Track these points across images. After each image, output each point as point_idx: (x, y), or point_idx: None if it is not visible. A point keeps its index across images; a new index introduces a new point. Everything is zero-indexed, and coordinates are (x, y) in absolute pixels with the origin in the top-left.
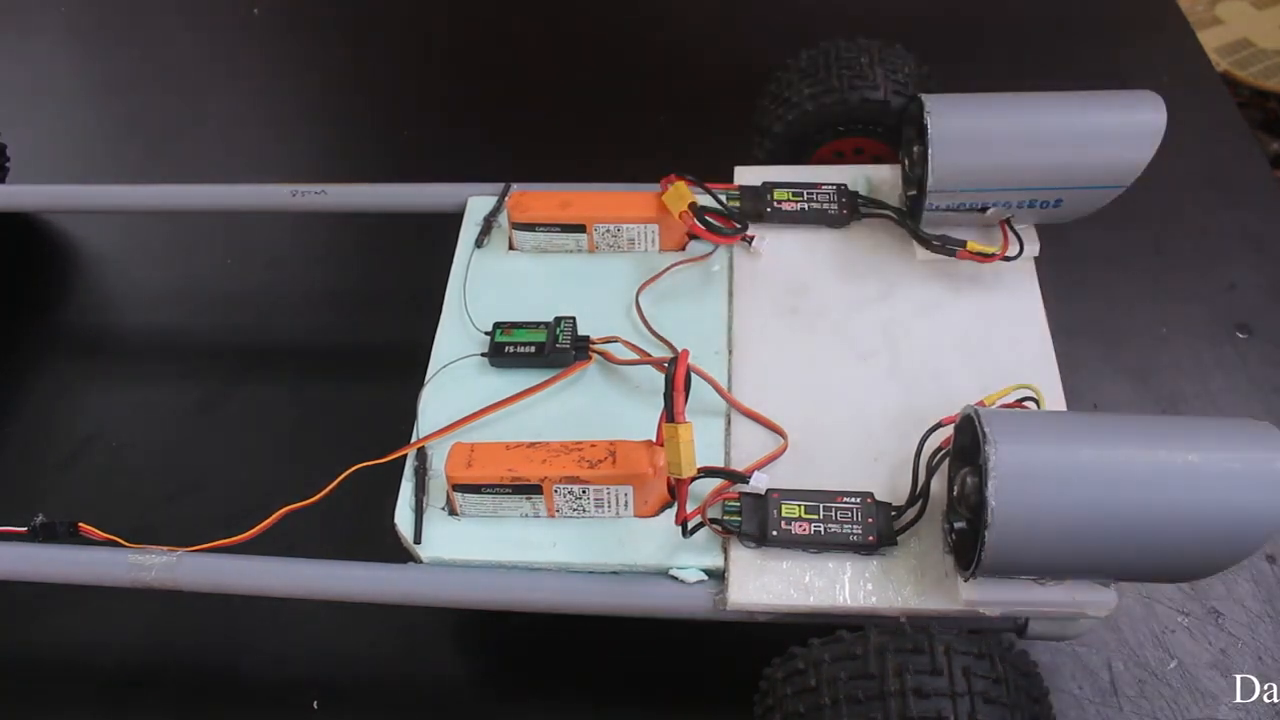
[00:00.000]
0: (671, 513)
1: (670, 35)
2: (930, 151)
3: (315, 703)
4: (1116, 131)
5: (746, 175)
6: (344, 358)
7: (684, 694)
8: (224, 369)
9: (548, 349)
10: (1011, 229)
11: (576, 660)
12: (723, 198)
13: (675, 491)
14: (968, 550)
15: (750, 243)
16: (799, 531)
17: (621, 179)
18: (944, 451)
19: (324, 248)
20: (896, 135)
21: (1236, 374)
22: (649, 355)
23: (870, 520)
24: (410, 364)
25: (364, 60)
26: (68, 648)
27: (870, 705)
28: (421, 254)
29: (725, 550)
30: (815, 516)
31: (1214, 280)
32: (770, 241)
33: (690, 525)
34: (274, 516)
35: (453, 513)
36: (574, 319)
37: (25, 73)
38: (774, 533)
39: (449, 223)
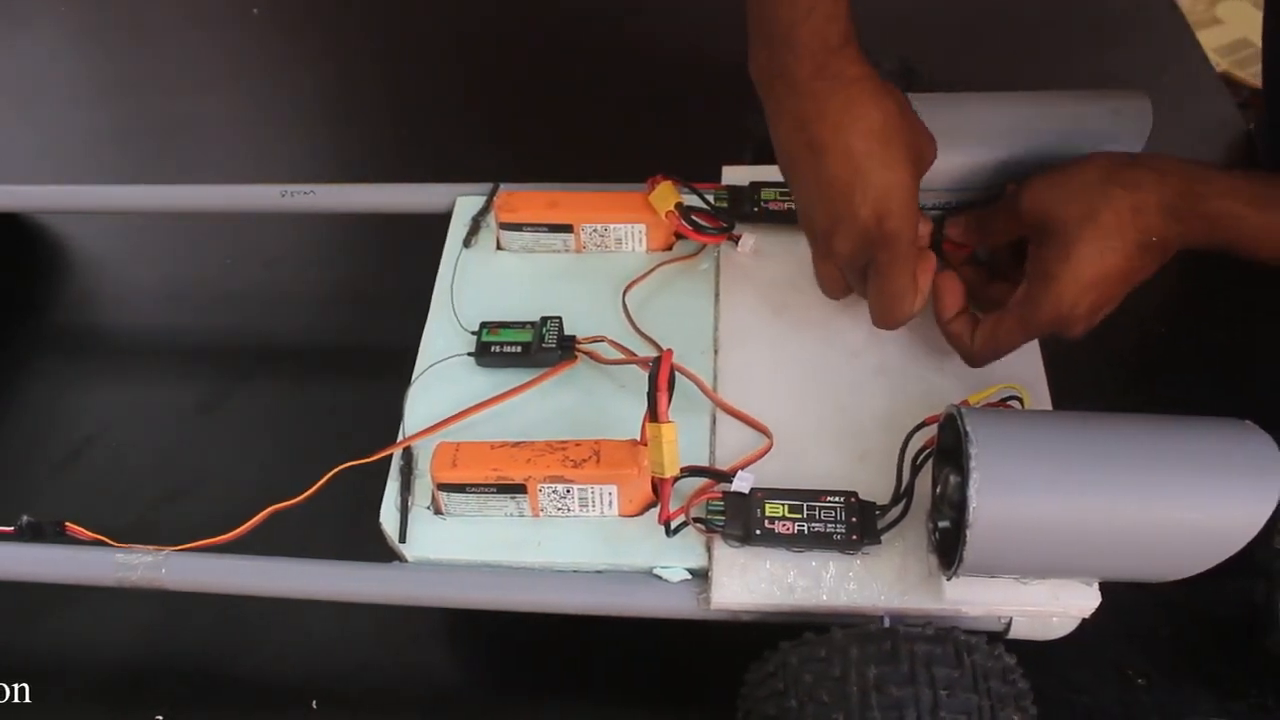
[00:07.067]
0: (656, 512)
1: (660, 35)
2: None
3: (314, 702)
4: (1103, 130)
5: (734, 175)
6: (341, 357)
7: (680, 692)
8: (222, 369)
9: (534, 349)
10: None
11: (576, 659)
12: (710, 198)
13: (659, 491)
14: (951, 549)
15: (737, 242)
16: (782, 531)
17: (610, 179)
18: (928, 451)
19: (321, 247)
20: None
21: (1234, 375)
22: (634, 355)
23: (854, 519)
24: (407, 363)
25: (360, 61)
26: (68, 648)
27: (834, 705)
28: (415, 254)
29: (709, 550)
30: (799, 516)
31: (1212, 280)
32: (757, 241)
33: (674, 525)
34: (259, 516)
35: (438, 512)
36: (560, 319)
37: (24, 73)
38: (758, 532)
39: (442, 223)
